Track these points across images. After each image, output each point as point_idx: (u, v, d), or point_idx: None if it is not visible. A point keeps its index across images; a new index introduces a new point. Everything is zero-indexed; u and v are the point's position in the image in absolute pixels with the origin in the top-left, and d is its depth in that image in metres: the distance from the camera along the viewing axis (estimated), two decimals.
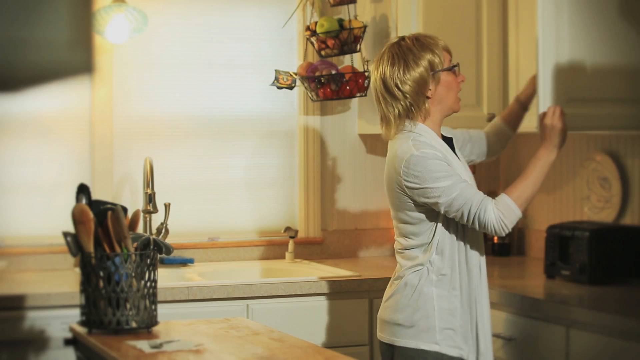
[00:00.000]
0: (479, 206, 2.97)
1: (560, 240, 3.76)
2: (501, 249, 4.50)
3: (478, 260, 3.07)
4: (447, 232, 3.03)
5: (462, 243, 3.05)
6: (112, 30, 4.14)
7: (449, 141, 3.19)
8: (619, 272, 3.65)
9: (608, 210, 3.96)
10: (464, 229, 3.05)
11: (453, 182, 2.99)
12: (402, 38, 3.14)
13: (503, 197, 3.01)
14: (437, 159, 3.01)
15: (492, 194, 4.66)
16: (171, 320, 3.06)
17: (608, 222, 3.93)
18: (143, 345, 2.59)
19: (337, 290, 3.87)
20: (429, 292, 3.02)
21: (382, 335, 3.11)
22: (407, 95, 3.07)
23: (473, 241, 3.07)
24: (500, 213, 2.97)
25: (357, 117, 4.60)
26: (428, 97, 3.09)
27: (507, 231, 2.99)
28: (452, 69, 3.13)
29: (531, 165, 3.07)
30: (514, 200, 3.00)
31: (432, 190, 2.97)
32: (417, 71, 3.07)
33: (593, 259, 3.62)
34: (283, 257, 4.44)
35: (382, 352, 3.14)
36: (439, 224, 3.03)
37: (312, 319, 3.84)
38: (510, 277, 4.02)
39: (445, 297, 3.02)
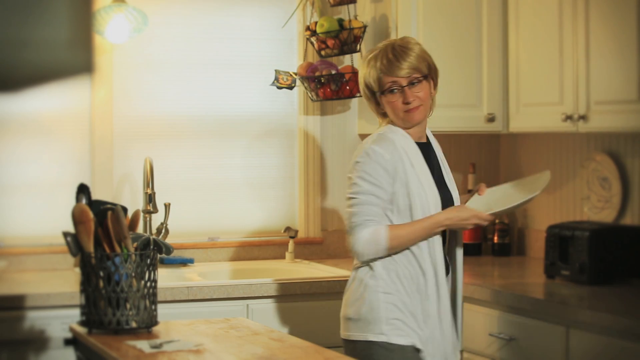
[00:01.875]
0: (356, 225, 3.06)
1: (560, 240, 3.76)
2: (501, 249, 4.50)
3: (430, 256, 3.09)
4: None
5: None
6: (112, 30, 4.14)
7: (426, 146, 3.21)
8: (619, 272, 3.65)
9: (608, 210, 3.96)
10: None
11: (366, 189, 3.07)
12: (392, 45, 3.17)
13: (382, 229, 3.06)
14: (379, 164, 3.08)
15: None
16: (171, 320, 3.06)
17: (608, 222, 3.93)
18: (143, 345, 2.59)
19: (337, 291, 3.87)
20: (374, 284, 3.08)
21: (340, 332, 3.19)
22: (370, 108, 3.27)
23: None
24: (366, 242, 3.05)
25: (357, 117, 4.60)
26: (384, 112, 3.21)
27: (362, 259, 3.08)
28: (383, 92, 3.15)
29: (426, 219, 3.08)
30: (389, 238, 3.05)
31: (352, 185, 3.10)
32: (361, 89, 3.25)
33: (593, 259, 3.62)
34: (283, 257, 4.44)
35: (344, 350, 3.16)
36: (384, 219, 3.10)
37: (312, 319, 3.84)
38: (510, 277, 4.02)
39: (391, 289, 3.07)
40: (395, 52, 3.13)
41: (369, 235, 3.04)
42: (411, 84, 3.12)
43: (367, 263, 3.09)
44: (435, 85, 3.25)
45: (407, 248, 3.07)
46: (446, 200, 3.16)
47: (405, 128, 3.16)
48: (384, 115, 3.21)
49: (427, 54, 3.21)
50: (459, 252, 3.25)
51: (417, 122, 3.16)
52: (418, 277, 3.09)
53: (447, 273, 3.18)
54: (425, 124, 3.24)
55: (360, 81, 3.24)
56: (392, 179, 3.08)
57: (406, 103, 3.11)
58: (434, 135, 3.31)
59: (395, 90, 3.12)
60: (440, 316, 3.10)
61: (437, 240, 3.12)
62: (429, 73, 3.18)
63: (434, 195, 3.11)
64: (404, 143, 3.12)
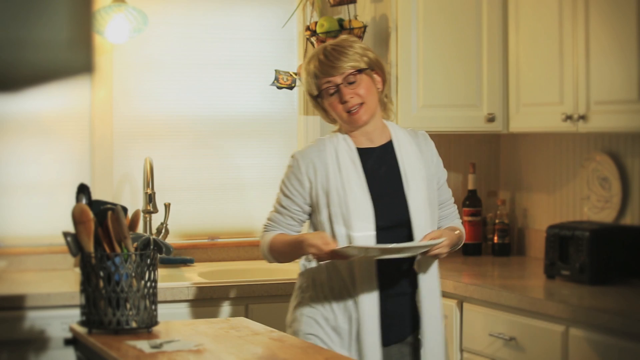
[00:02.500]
0: (262, 231, 3.12)
1: (560, 240, 3.76)
2: (501, 249, 4.50)
3: (353, 269, 2.97)
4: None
5: None
6: (112, 30, 4.14)
7: (376, 150, 3.05)
8: (619, 272, 3.65)
9: (608, 210, 3.96)
10: (345, 229, 2.98)
11: (279, 200, 3.08)
12: (325, 47, 3.06)
13: (268, 237, 3.07)
14: (294, 175, 3.04)
15: (492, 194, 4.68)
16: (171, 320, 3.06)
17: (608, 222, 3.93)
18: (143, 345, 2.59)
19: None
20: (302, 297, 3.06)
21: None
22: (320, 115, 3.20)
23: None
24: (261, 246, 3.12)
25: None
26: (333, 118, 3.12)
27: (267, 260, 3.12)
28: (321, 96, 3.04)
29: (297, 236, 3.01)
30: (269, 246, 3.07)
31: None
32: (306, 98, 3.18)
33: (593, 259, 3.62)
34: None
35: None
36: (293, 227, 3.08)
37: None
38: (510, 277, 4.02)
39: (316, 303, 3.00)
40: (326, 52, 3.01)
41: (261, 241, 3.10)
42: (348, 82, 2.98)
43: (301, 272, 3.09)
44: (384, 80, 3.08)
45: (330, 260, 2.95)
46: (391, 210, 2.99)
47: (352, 131, 3.04)
48: (334, 121, 3.11)
49: (367, 49, 3.07)
50: (430, 272, 3.06)
51: (364, 123, 3.01)
52: (342, 292, 2.98)
53: (413, 290, 3.04)
54: (381, 125, 3.08)
55: (303, 93, 3.16)
56: (309, 188, 3.00)
57: (343, 102, 2.98)
58: (429, 135, 3.15)
59: (332, 91, 2.99)
60: (372, 338, 2.94)
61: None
62: (369, 67, 3.02)
63: (359, 205, 2.94)
64: (338, 148, 3.01)
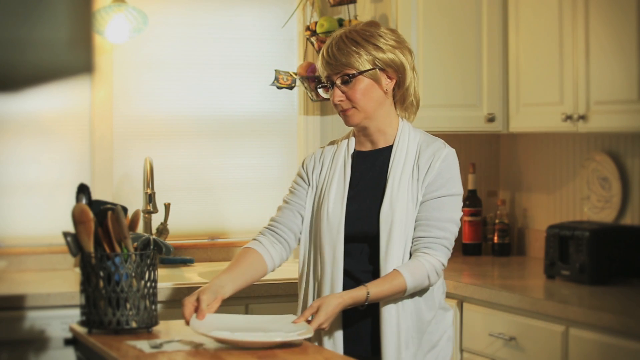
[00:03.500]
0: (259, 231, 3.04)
1: (560, 240, 3.76)
2: (501, 249, 4.50)
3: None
4: (304, 234, 2.96)
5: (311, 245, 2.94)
6: (112, 30, 4.14)
7: (371, 154, 2.92)
8: (619, 272, 3.65)
9: (608, 210, 3.96)
10: (309, 235, 2.93)
11: (285, 195, 3.01)
12: (343, 34, 2.88)
13: (249, 244, 2.99)
14: (298, 171, 3.01)
15: (492, 194, 4.68)
16: (171, 320, 3.06)
17: (608, 222, 3.93)
18: (143, 345, 2.59)
19: None
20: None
21: None
22: None
23: (317, 243, 2.90)
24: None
25: None
26: None
27: None
28: (318, 86, 2.97)
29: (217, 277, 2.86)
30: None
31: None
32: None
33: (593, 259, 3.62)
34: None
35: None
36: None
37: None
38: (510, 277, 4.02)
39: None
40: (339, 43, 2.83)
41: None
42: (342, 82, 2.84)
43: None
44: (400, 80, 2.88)
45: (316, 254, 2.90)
46: (361, 221, 2.83)
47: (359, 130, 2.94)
48: None
49: (384, 46, 2.84)
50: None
51: (355, 125, 2.87)
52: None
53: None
54: (390, 126, 2.90)
55: None
56: (308, 181, 2.96)
57: (333, 103, 2.87)
58: (430, 136, 2.96)
59: (328, 86, 2.88)
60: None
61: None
62: (374, 68, 2.83)
63: (330, 211, 2.84)
64: (338, 149, 2.95)
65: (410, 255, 2.82)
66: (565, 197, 4.26)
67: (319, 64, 2.91)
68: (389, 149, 2.90)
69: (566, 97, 3.76)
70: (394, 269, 2.76)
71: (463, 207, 4.55)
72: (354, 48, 2.82)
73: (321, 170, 2.95)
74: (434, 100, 4.18)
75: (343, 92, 2.84)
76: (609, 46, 3.55)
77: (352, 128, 2.97)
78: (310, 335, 2.64)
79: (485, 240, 4.60)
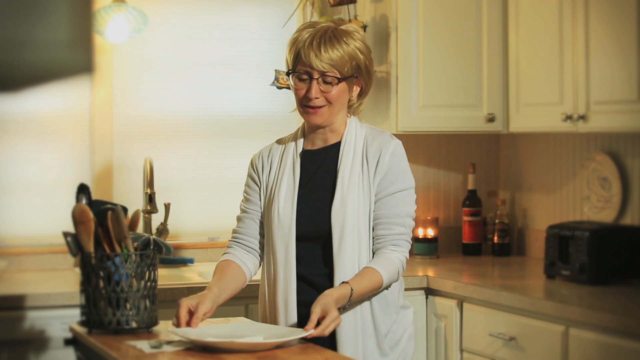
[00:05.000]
0: (226, 245, 3.03)
1: (560, 240, 3.76)
2: (501, 249, 4.50)
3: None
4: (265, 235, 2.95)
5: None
6: (112, 30, 4.14)
7: (320, 152, 2.90)
8: (619, 272, 3.64)
9: (608, 210, 3.96)
10: (266, 234, 2.92)
11: (242, 203, 3.00)
12: (330, 29, 2.85)
13: (222, 257, 2.98)
14: (249, 174, 2.99)
15: (492, 194, 4.68)
16: (171, 320, 3.06)
17: (608, 222, 3.93)
18: (143, 345, 2.59)
19: None
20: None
21: None
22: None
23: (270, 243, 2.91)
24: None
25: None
26: None
27: None
28: (287, 73, 2.85)
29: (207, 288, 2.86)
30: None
31: None
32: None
33: (593, 259, 3.62)
34: None
35: None
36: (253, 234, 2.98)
37: None
38: (510, 277, 4.02)
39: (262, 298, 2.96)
40: (325, 37, 2.79)
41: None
42: (324, 81, 2.80)
43: None
44: (365, 88, 2.89)
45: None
46: (313, 220, 2.82)
47: (308, 125, 2.89)
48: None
49: (365, 53, 2.85)
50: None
51: (317, 123, 2.84)
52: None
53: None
54: (342, 124, 2.89)
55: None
56: (259, 183, 2.96)
57: (306, 96, 2.80)
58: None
59: (304, 79, 2.81)
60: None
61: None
62: (355, 74, 2.83)
63: (281, 212, 2.83)
64: (286, 149, 2.92)
65: (373, 253, 2.84)
66: (565, 197, 4.26)
67: (296, 52, 2.81)
68: (337, 146, 2.89)
69: (566, 97, 3.76)
70: (367, 266, 2.78)
71: (463, 207, 4.56)
72: (345, 50, 2.80)
73: (270, 170, 2.93)
74: (434, 101, 4.18)
75: (321, 91, 2.81)
76: (609, 46, 3.54)
77: (299, 127, 2.97)
78: (303, 335, 2.64)
79: (485, 240, 4.60)
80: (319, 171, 2.88)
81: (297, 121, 4.57)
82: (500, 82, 4.17)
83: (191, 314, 2.70)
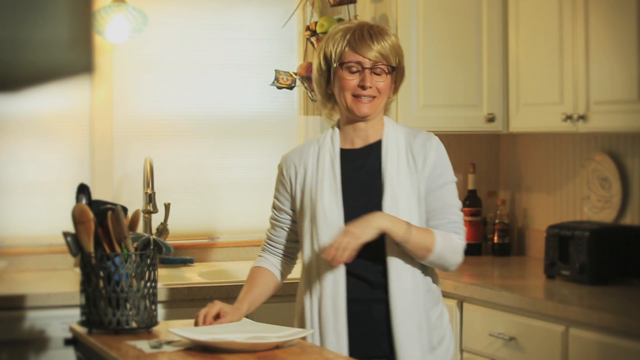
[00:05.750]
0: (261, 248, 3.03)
1: (560, 240, 3.76)
2: (501, 249, 4.50)
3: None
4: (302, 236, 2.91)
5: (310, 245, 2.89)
6: (112, 30, 4.14)
7: (360, 151, 2.88)
8: (619, 272, 3.65)
9: (608, 210, 3.96)
10: (310, 233, 2.87)
11: (271, 212, 2.98)
12: (369, 25, 2.88)
13: (255, 263, 2.99)
14: (278, 180, 2.96)
15: (492, 194, 4.68)
16: (171, 320, 3.06)
17: (608, 222, 3.93)
18: (143, 345, 2.59)
19: None
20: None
21: None
22: (315, 90, 2.96)
23: (312, 244, 2.87)
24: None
25: None
26: (331, 94, 2.91)
27: None
28: (341, 65, 2.82)
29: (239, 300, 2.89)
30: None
31: None
32: (315, 62, 2.92)
33: (593, 259, 3.62)
34: None
35: None
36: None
37: None
38: (510, 277, 4.02)
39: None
40: (372, 31, 2.81)
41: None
42: (374, 72, 2.81)
43: None
44: (396, 88, 2.92)
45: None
46: (362, 214, 2.76)
47: (348, 122, 2.88)
48: (329, 98, 2.92)
49: (402, 51, 2.89)
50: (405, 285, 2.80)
51: (364, 116, 2.83)
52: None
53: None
54: (379, 122, 2.90)
55: (317, 54, 2.90)
56: (290, 190, 2.91)
57: (361, 86, 2.79)
58: (432, 134, 2.96)
59: (355, 70, 2.81)
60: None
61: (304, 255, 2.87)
62: (397, 68, 2.86)
63: (327, 209, 2.80)
64: (322, 149, 2.88)
65: None
66: (565, 197, 4.26)
67: (340, 44, 2.81)
68: (377, 145, 2.88)
69: (566, 97, 3.76)
70: (427, 228, 2.81)
71: (463, 207, 4.56)
72: (394, 43, 2.84)
73: (306, 172, 2.89)
74: (434, 100, 4.18)
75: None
76: (609, 46, 3.55)
77: (331, 127, 2.94)
78: (304, 335, 2.64)
79: (485, 240, 4.60)
80: (363, 170, 2.87)
81: (297, 122, 4.57)
82: (500, 82, 4.17)
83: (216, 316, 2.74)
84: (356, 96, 2.82)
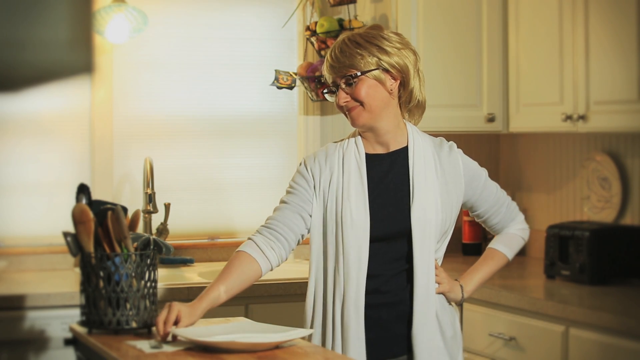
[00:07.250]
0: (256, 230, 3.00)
1: (560, 240, 3.76)
2: None
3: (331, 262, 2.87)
4: (314, 235, 2.89)
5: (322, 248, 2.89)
6: (112, 30, 4.14)
7: (386, 157, 2.87)
8: (619, 272, 3.65)
9: (608, 210, 3.96)
10: (334, 235, 2.85)
11: (284, 196, 2.93)
12: (346, 38, 2.89)
13: (242, 247, 2.95)
14: (299, 172, 2.90)
15: None
16: None
17: (608, 222, 3.93)
18: (143, 345, 2.59)
19: None
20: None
21: None
22: None
23: (328, 247, 2.86)
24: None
25: None
26: None
27: None
28: (326, 90, 2.91)
29: (206, 290, 2.84)
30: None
31: None
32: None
33: (593, 259, 3.62)
34: None
35: None
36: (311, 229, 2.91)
37: None
38: (510, 277, 4.02)
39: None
40: (342, 46, 2.82)
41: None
42: (346, 84, 2.81)
43: None
44: (403, 81, 2.84)
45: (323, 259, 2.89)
46: (390, 221, 2.80)
47: (365, 132, 2.87)
48: None
49: (387, 47, 2.81)
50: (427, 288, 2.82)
51: (361, 125, 2.83)
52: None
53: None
54: (398, 129, 2.87)
55: None
56: (312, 183, 2.87)
57: (339, 104, 2.83)
58: (442, 139, 2.97)
59: (334, 90, 2.85)
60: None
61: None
62: (377, 68, 2.80)
63: (354, 213, 2.79)
64: (346, 152, 2.87)
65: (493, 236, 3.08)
66: (565, 197, 4.26)
67: (324, 69, 2.89)
68: (404, 151, 2.88)
69: (566, 97, 3.76)
70: (488, 248, 3.02)
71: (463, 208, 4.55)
72: (357, 50, 2.80)
73: (332, 174, 2.87)
74: (434, 100, 4.18)
75: (347, 94, 2.82)
76: (609, 46, 3.55)
77: (354, 130, 2.93)
78: (304, 334, 2.64)
79: (485, 240, 4.60)
80: (390, 175, 2.86)
81: (297, 122, 4.57)
82: (500, 82, 4.18)
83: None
84: (347, 110, 2.84)
